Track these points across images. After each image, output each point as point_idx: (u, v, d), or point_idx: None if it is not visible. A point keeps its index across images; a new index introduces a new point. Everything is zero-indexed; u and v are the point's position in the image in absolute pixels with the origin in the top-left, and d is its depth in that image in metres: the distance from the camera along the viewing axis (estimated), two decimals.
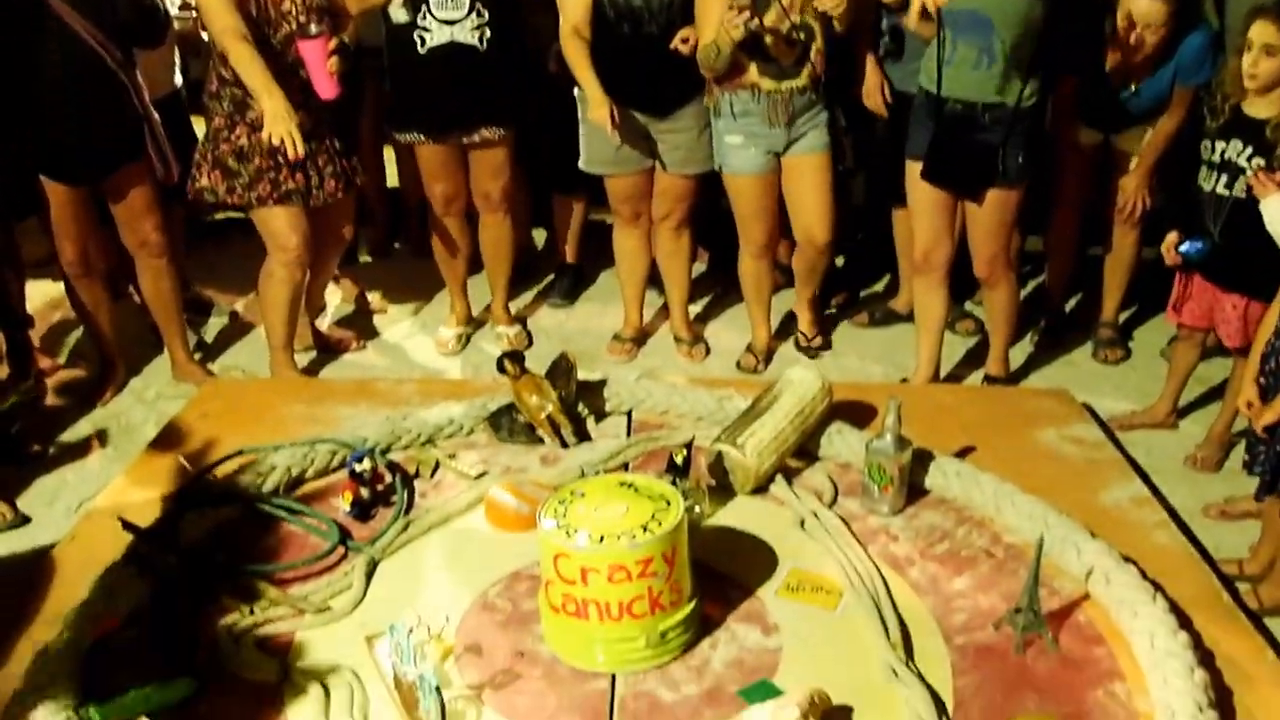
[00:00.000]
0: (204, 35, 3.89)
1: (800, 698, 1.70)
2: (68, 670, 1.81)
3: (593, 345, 4.23)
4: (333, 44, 3.36)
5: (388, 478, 2.55)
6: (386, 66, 4.00)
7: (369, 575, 2.23)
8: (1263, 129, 2.87)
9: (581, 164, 3.98)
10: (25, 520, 3.15)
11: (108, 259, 3.95)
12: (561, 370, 2.88)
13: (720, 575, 2.21)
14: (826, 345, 4.19)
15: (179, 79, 4.21)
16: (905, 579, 2.22)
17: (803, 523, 2.40)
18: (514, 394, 2.83)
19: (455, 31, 3.78)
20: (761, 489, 2.54)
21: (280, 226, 3.63)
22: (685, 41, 3.59)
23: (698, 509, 2.40)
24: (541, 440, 2.79)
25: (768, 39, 3.53)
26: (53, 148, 3.55)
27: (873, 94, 3.84)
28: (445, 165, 4.02)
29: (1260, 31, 2.87)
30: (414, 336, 4.45)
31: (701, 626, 2.04)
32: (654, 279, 4.27)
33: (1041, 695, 1.88)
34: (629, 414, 2.93)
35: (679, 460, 2.43)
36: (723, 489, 2.53)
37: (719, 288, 4.68)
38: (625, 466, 2.65)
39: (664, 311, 4.38)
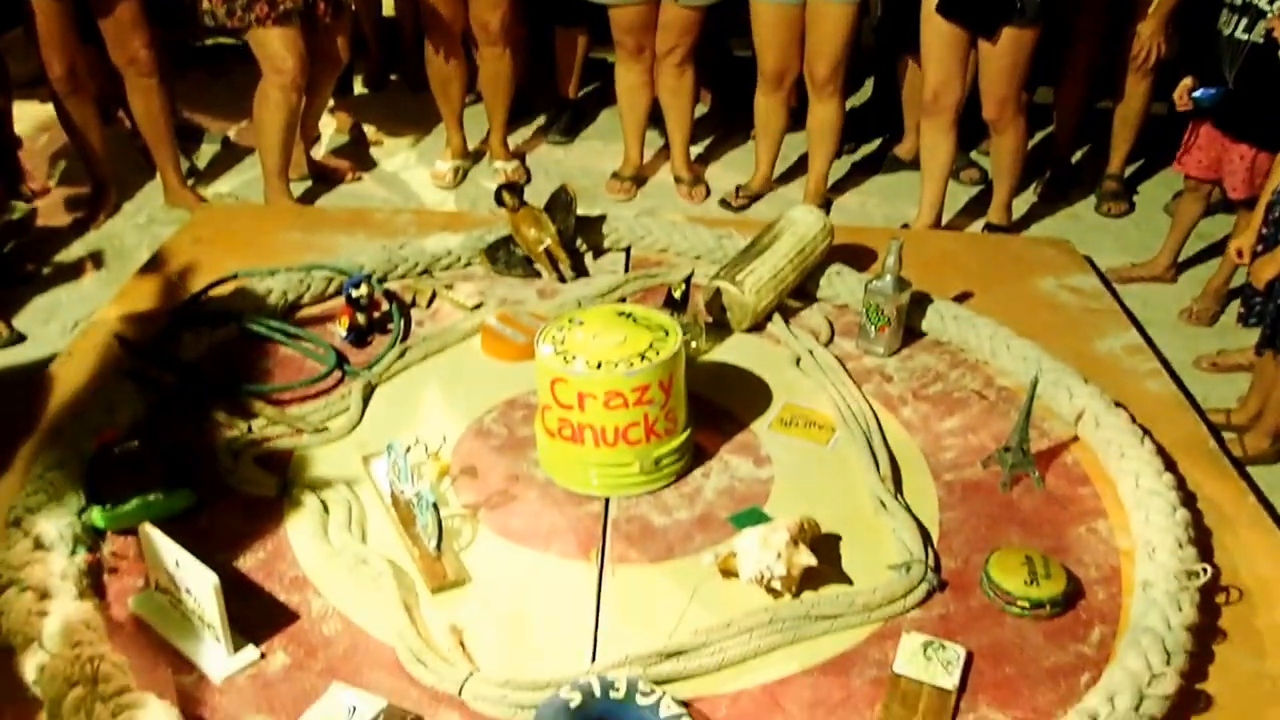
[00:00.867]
0: None
1: (790, 523, 1.74)
2: (69, 479, 1.83)
3: (592, 184, 4.17)
4: None
5: (384, 305, 2.55)
6: None
7: (366, 399, 2.25)
8: None
9: None
10: (21, 338, 3.15)
11: (97, 81, 3.85)
12: (560, 204, 2.84)
13: (715, 408, 2.23)
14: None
15: None
16: (897, 418, 2.24)
17: (798, 361, 2.41)
18: (512, 226, 2.80)
19: None
20: (758, 327, 2.55)
21: (277, 48, 3.54)
22: None
23: (694, 344, 2.41)
24: (539, 274, 2.77)
25: None
26: None
27: None
28: None
29: None
30: (410, 169, 4.39)
31: (695, 456, 2.07)
32: (655, 119, 4.19)
33: (1025, 530, 1.92)
34: (627, 250, 2.91)
35: (677, 295, 2.42)
36: (720, 326, 2.54)
37: (722, 129, 4.59)
38: (623, 301, 2.65)
39: (665, 151, 4.31)
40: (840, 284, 2.67)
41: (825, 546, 1.83)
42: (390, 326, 2.50)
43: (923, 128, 3.74)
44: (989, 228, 3.83)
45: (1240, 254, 2.59)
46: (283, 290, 2.55)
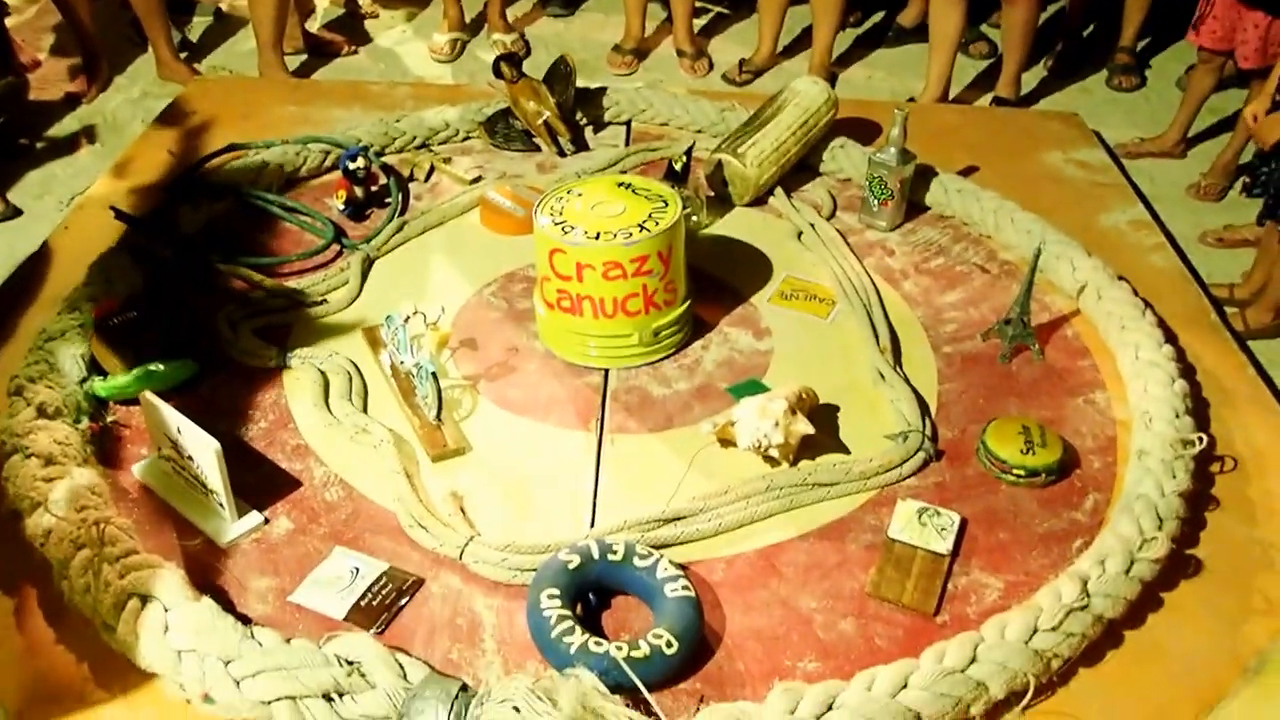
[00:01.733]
0: None
1: (788, 392, 1.74)
2: (71, 348, 1.84)
3: (592, 58, 4.09)
4: None
5: (382, 178, 2.52)
6: None
7: (364, 272, 2.24)
8: None
9: None
10: (17, 212, 3.13)
11: None
12: (560, 75, 2.78)
13: (715, 281, 2.22)
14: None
15: None
16: (898, 291, 2.23)
17: (800, 234, 2.39)
18: (510, 99, 2.75)
19: None
20: (760, 200, 2.52)
21: None
22: None
23: (695, 218, 2.39)
24: (538, 147, 2.74)
25: None
26: None
27: None
28: None
29: None
30: (407, 43, 4.30)
31: (694, 328, 2.07)
32: None
33: (1023, 401, 1.92)
34: (628, 124, 2.86)
35: (678, 167, 2.38)
36: (721, 200, 2.51)
37: (726, 2, 4.47)
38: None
39: (667, 24, 4.20)
40: (844, 157, 2.63)
41: (823, 416, 1.85)
42: (388, 200, 2.47)
43: None
44: (997, 101, 3.76)
45: (1255, 118, 2.53)
46: (279, 164, 2.51)
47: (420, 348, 1.82)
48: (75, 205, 2.51)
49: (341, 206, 2.41)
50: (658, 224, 1.87)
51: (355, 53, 4.19)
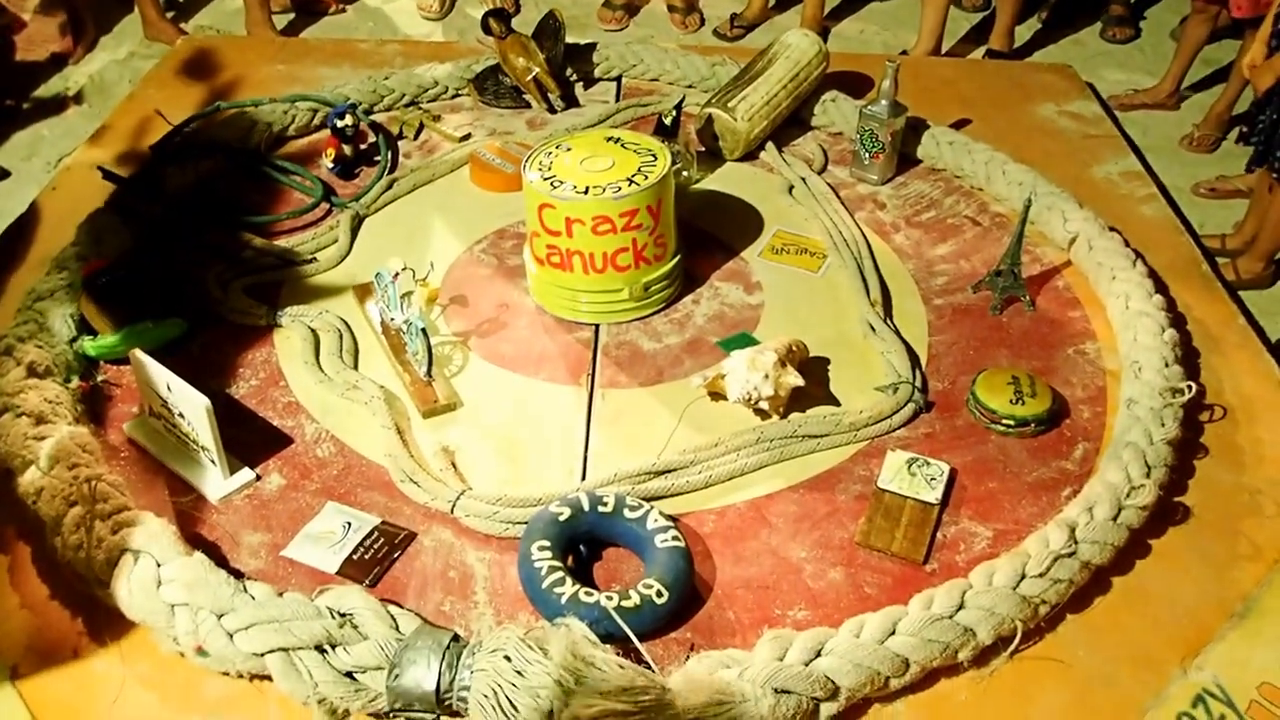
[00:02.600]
0: None
1: (778, 344, 1.74)
2: (61, 307, 1.83)
3: (582, 13, 4.05)
4: None
5: (371, 136, 2.50)
6: None
7: (354, 230, 2.23)
8: None
9: None
10: (5, 174, 3.11)
11: None
12: (549, 30, 2.76)
13: (706, 236, 2.21)
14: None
15: None
16: (889, 244, 2.23)
17: (791, 188, 2.38)
18: (499, 55, 2.73)
19: None
20: (751, 155, 2.51)
21: None
22: None
23: (686, 173, 2.37)
24: (527, 104, 2.72)
25: None
26: None
27: None
28: None
29: None
30: (395, 0, 4.25)
31: (685, 282, 2.06)
32: None
33: (1013, 352, 1.93)
34: (618, 79, 2.84)
35: (668, 122, 2.37)
36: (712, 154, 2.50)
37: None
38: None
39: None
40: (835, 111, 2.62)
41: (814, 369, 1.85)
42: (377, 158, 2.46)
43: None
44: (990, 54, 3.74)
45: (1254, 66, 2.52)
46: (267, 122, 2.50)
47: (410, 304, 1.81)
48: (63, 166, 2.49)
49: (330, 165, 2.40)
50: (647, 178, 1.86)
51: (343, 10, 4.15)
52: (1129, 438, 1.61)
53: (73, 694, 1.35)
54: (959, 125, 2.62)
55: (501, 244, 2.21)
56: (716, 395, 1.76)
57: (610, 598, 1.35)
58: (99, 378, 1.81)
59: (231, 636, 1.31)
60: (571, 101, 2.74)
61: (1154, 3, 4.07)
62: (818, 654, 1.31)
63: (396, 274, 1.83)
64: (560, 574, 1.39)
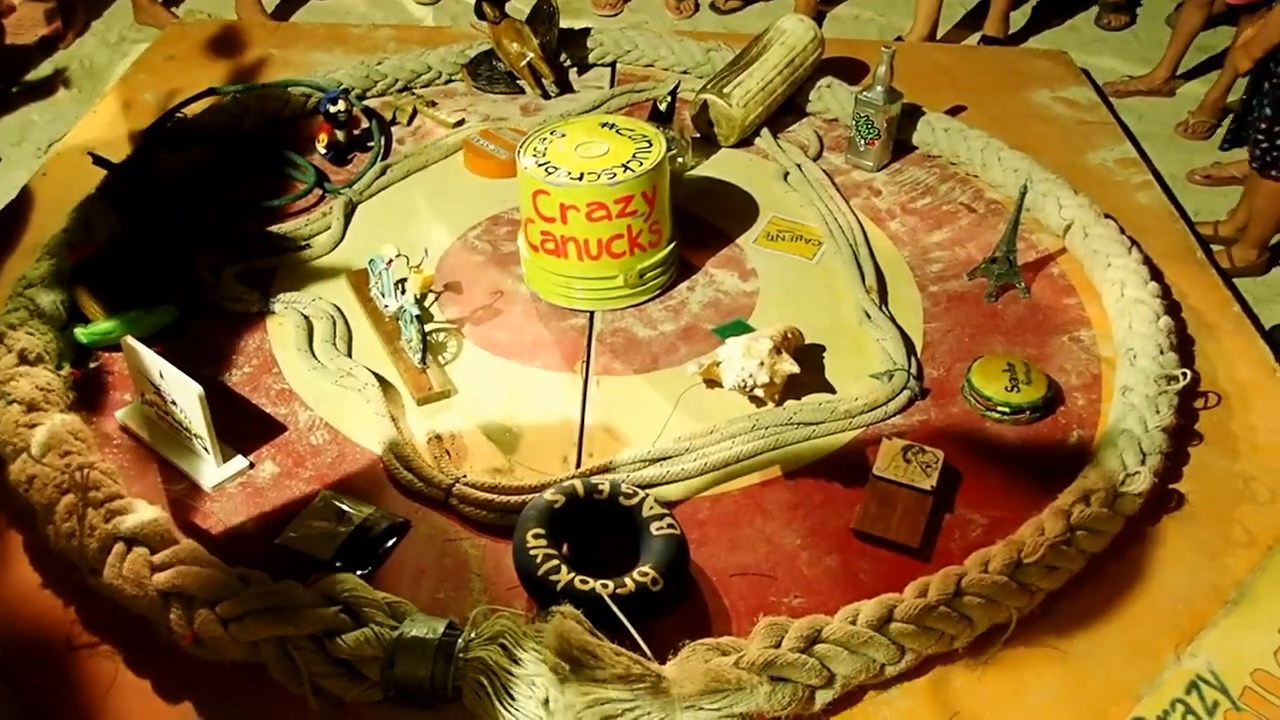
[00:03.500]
0: None
1: (773, 331, 1.74)
2: (50, 296, 1.82)
3: None
4: None
5: (364, 122, 2.49)
6: None
7: (348, 216, 2.22)
8: None
9: None
10: None
11: None
12: (544, 16, 2.75)
13: (701, 223, 2.21)
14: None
15: None
16: (885, 231, 2.22)
17: (786, 175, 2.37)
18: (493, 40, 2.71)
19: None
20: (746, 141, 2.50)
21: None
22: None
23: (681, 159, 2.37)
24: (522, 89, 2.70)
25: None
26: None
27: None
28: None
29: None
30: None
31: (680, 269, 2.06)
32: None
33: (1008, 340, 1.92)
34: (612, 65, 2.83)
35: (662, 108, 2.36)
36: (707, 141, 2.49)
37: None
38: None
39: None
40: (830, 97, 2.61)
41: (809, 356, 1.85)
42: (370, 144, 2.44)
43: None
44: (985, 40, 3.72)
45: (1239, 46, 2.51)
46: (260, 107, 2.48)
47: (404, 291, 1.80)
48: (53, 152, 2.48)
49: (324, 150, 2.39)
50: (642, 164, 1.85)
51: None
52: (1124, 425, 1.61)
53: (66, 683, 1.34)
54: (954, 111, 2.61)
55: (495, 230, 2.20)
56: (712, 382, 1.76)
57: (606, 585, 1.35)
58: (91, 364, 1.80)
59: (225, 625, 1.30)
60: (566, 87, 2.73)
61: None
62: (813, 641, 1.31)
63: (390, 261, 1.82)
64: (555, 561, 1.38)
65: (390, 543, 1.51)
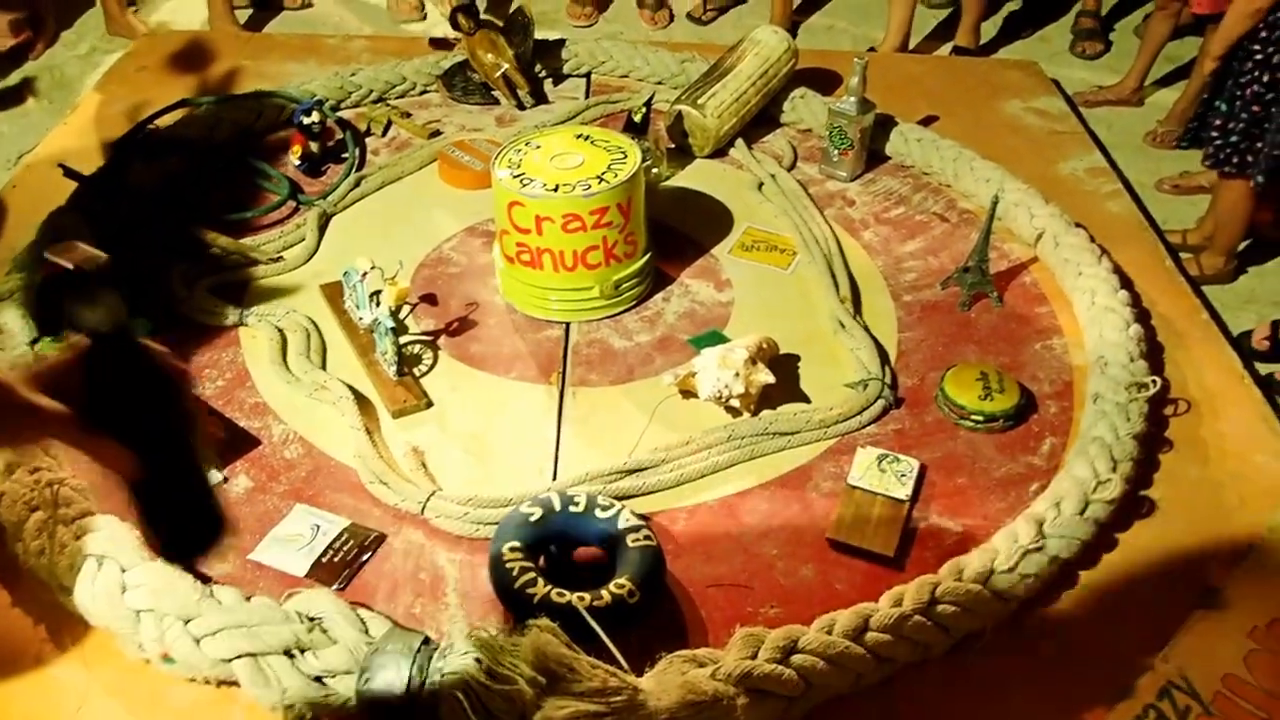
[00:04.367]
0: None
1: (749, 342, 1.74)
2: (20, 308, 1.80)
3: (552, 8, 4.04)
4: None
5: (338, 133, 2.48)
6: None
7: (322, 229, 2.21)
8: None
9: None
10: None
11: None
12: (518, 27, 2.75)
13: (676, 233, 2.21)
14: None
15: None
16: (858, 241, 2.23)
17: (760, 185, 2.39)
18: (468, 51, 2.71)
19: None
20: (720, 152, 2.51)
21: None
22: None
23: (655, 170, 2.37)
24: (497, 100, 2.71)
25: None
26: None
27: None
28: None
29: None
30: None
31: (655, 280, 2.06)
32: None
33: (981, 348, 1.94)
34: (587, 76, 2.84)
35: (637, 119, 2.37)
36: (682, 151, 2.50)
37: None
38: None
39: None
40: (804, 108, 2.62)
41: (784, 366, 1.85)
42: (345, 155, 2.44)
43: None
44: (957, 50, 3.75)
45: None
46: (232, 119, 2.47)
47: (379, 304, 1.80)
48: (23, 164, 2.46)
49: (297, 162, 2.38)
50: (617, 175, 1.86)
51: (309, 5, 4.10)
52: (1095, 433, 1.63)
53: (36, 701, 1.33)
54: (926, 121, 2.63)
55: (471, 242, 2.20)
56: (688, 393, 1.76)
57: (582, 598, 1.35)
58: None
59: (198, 642, 1.29)
60: (540, 98, 2.74)
61: (1120, 3, 4.09)
62: (790, 652, 1.31)
63: (365, 273, 1.82)
64: (532, 574, 1.38)
65: (365, 556, 1.51)
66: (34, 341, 1.78)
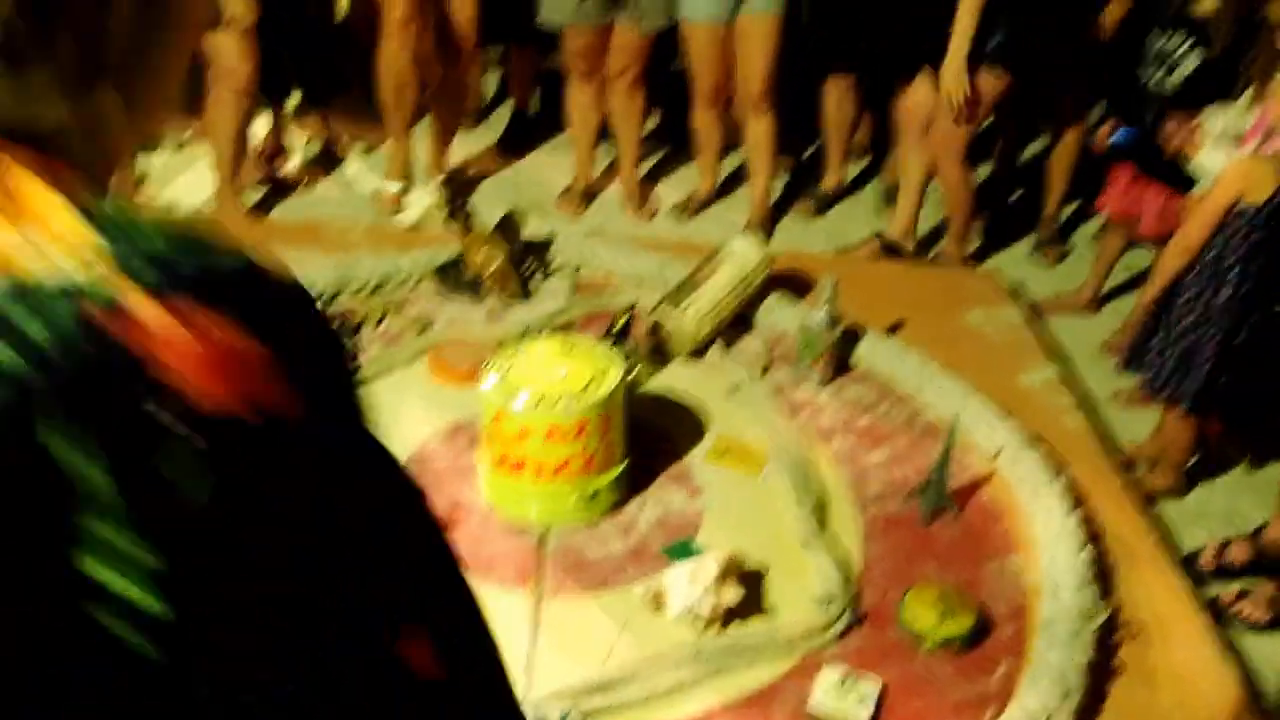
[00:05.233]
0: None
1: (718, 558, 1.83)
2: None
3: (542, 196, 4.23)
4: None
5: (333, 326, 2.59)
6: None
7: None
8: (1205, 25, 2.92)
9: (540, 17, 3.88)
10: None
11: None
12: (510, 227, 2.91)
13: (653, 436, 2.31)
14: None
15: None
16: (827, 449, 2.34)
17: (735, 390, 2.50)
18: (462, 249, 2.86)
19: None
20: (698, 354, 2.63)
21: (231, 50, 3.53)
22: None
23: (634, 373, 2.49)
24: (487, 296, 2.84)
25: None
26: None
27: None
28: None
29: None
30: (367, 173, 4.40)
31: (631, 486, 2.15)
32: (606, 132, 4.24)
33: (941, 564, 2.02)
34: (574, 272, 2.98)
35: (617, 328, 2.50)
36: (661, 353, 2.62)
37: (670, 146, 4.67)
38: (568, 326, 2.73)
39: (615, 165, 4.37)
40: (778, 313, 2.76)
41: (752, 579, 1.93)
42: None
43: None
44: (884, 244, 3.90)
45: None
46: None
47: None
48: None
49: None
50: (599, 389, 1.97)
51: (310, 187, 4.28)
52: (1047, 662, 1.70)
53: None
54: (895, 328, 2.77)
55: (457, 439, 2.29)
56: (659, 605, 1.83)
57: None
58: None
59: None
60: (528, 294, 2.87)
61: (1077, 210, 4.29)
62: None
63: None
64: None
65: None
66: None
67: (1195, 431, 2.62)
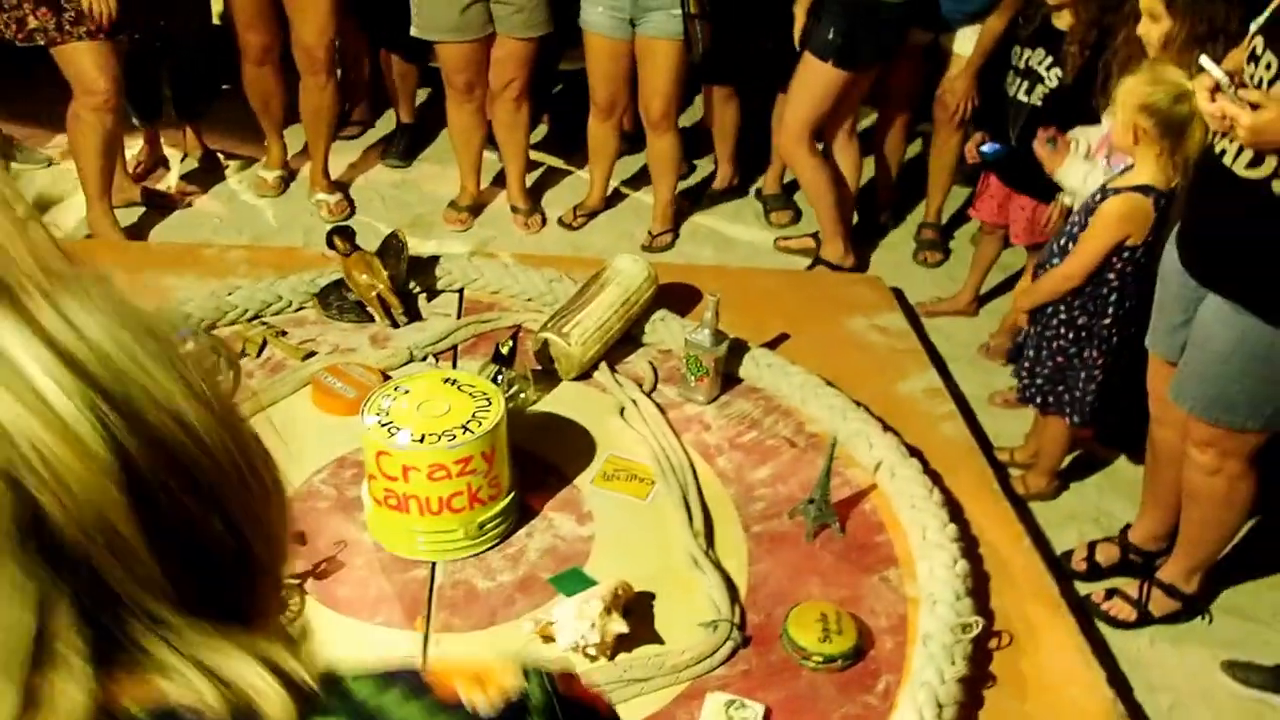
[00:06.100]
0: None
1: (604, 590, 1.85)
2: None
3: (429, 210, 4.18)
4: None
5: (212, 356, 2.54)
6: None
7: None
8: (1063, 40, 3.02)
9: (414, 30, 3.83)
10: None
11: None
12: (393, 249, 2.88)
13: (540, 462, 2.32)
14: (670, 246, 4.17)
15: None
16: (713, 467, 2.37)
17: (622, 410, 2.52)
18: (344, 271, 2.83)
19: None
20: (585, 375, 2.65)
21: (88, 66, 3.39)
22: None
23: (523, 395, 2.49)
24: (371, 319, 2.81)
25: None
26: None
27: None
28: (261, 13, 3.85)
29: None
30: (246, 191, 4.30)
31: (520, 515, 2.16)
32: (492, 142, 4.21)
33: (824, 580, 2.07)
34: (460, 292, 2.97)
35: (504, 350, 2.50)
36: (548, 375, 2.63)
37: (559, 156, 4.65)
38: (455, 349, 2.72)
39: (502, 177, 4.34)
40: (664, 330, 2.79)
41: (641, 605, 1.95)
42: (219, 379, 2.50)
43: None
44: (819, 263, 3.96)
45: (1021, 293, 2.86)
46: None
47: None
48: None
49: None
50: (481, 424, 1.97)
51: (190, 205, 4.17)
52: (923, 677, 1.76)
53: None
54: (778, 340, 2.82)
55: (342, 473, 2.27)
56: (548, 639, 1.85)
57: None
58: None
59: None
60: (414, 315, 2.86)
61: (957, 212, 4.40)
62: None
63: None
64: None
65: None
66: None
67: (1068, 439, 2.72)
